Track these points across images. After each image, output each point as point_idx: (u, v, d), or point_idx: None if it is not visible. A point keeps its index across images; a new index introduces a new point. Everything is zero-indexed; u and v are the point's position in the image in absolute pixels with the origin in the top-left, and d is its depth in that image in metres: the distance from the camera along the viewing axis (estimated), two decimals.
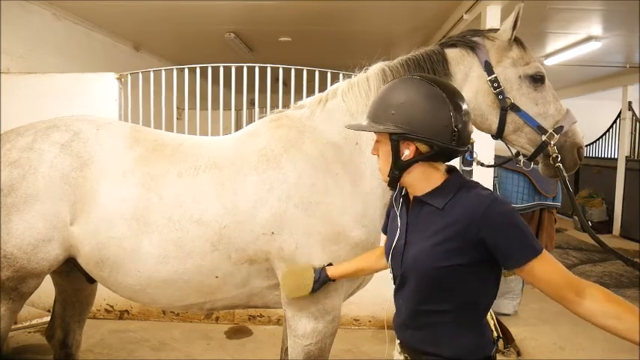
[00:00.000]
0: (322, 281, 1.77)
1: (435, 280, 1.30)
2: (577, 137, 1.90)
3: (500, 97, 1.87)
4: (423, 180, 1.35)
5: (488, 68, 1.88)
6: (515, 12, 1.86)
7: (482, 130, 2.00)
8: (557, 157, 1.86)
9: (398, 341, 1.46)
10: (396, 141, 1.31)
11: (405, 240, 1.38)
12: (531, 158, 1.95)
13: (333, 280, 1.79)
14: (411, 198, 1.43)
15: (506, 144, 2.01)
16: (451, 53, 1.93)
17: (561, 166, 1.86)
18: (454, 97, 1.31)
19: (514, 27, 1.88)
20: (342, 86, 2.00)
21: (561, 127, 1.86)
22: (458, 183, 1.34)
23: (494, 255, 1.26)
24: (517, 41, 1.92)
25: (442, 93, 1.29)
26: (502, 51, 1.90)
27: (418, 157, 1.31)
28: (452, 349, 1.32)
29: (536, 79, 1.88)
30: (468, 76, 1.91)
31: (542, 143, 1.87)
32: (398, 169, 1.34)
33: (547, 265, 1.22)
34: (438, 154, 1.31)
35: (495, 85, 1.87)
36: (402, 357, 1.44)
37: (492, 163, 3.63)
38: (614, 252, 1.79)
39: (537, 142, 1.88)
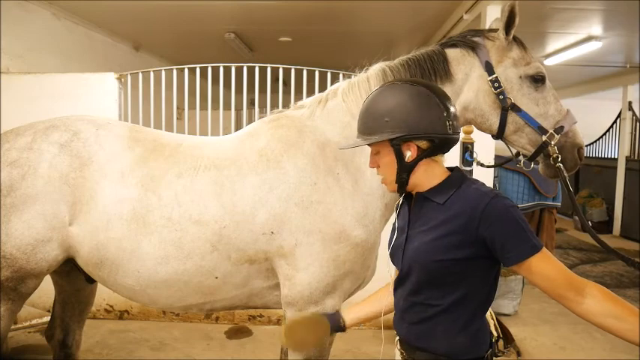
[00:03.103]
0: (336, 331, 1.62)
1: (433, 273, 1.31)
2: (577, 137, 1.90)
3: (501, 97, 1.87)
4: (427, 176, 1.37)
5: (489, 68, 1.88)
6: (506, 11, 1.84)
7: (482, 131, 2.00)
8: (557, 157, 1.86)
9: (397, 338, 1.47)
10: (397, 145, 1.33)
11: (407, 235, 1.40)
12: (532, 158, 1.95)
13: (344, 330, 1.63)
14: (414, 196, 1.44)
15: (506, 144, 2.01)
16: (452, 53, 1.93)
17: (562, 167, 1.86)
18: (437, 90, 1.37)
19: (507, 26, 1.87)
20: (342, 86, 2.00)
21: (562, 128, 1.86)
22: (459, 180, 1.37)
23: (493, 251, 1.26)
24: (517, 41, 1.92)
25: (426, 90, 1.34)
26: (503, 51, 1.90)
27: (421, 155, 1.34)
28: (445, 345, 1.33)
29: (537, 80, 1.88)
30: (468, 77, 1.91)
31: (542, 143, 1.87)
32: (405, 172, 1.36)
33: (546, 263, 1.23)
34: (438, 146, 1.34)
35: (496, 85, 1.86)
36: (399, 353, 1.45)
37: (492, 163, 3.63)
38: (615, 252, 1.79)
39: (538, 142, 1.88)
